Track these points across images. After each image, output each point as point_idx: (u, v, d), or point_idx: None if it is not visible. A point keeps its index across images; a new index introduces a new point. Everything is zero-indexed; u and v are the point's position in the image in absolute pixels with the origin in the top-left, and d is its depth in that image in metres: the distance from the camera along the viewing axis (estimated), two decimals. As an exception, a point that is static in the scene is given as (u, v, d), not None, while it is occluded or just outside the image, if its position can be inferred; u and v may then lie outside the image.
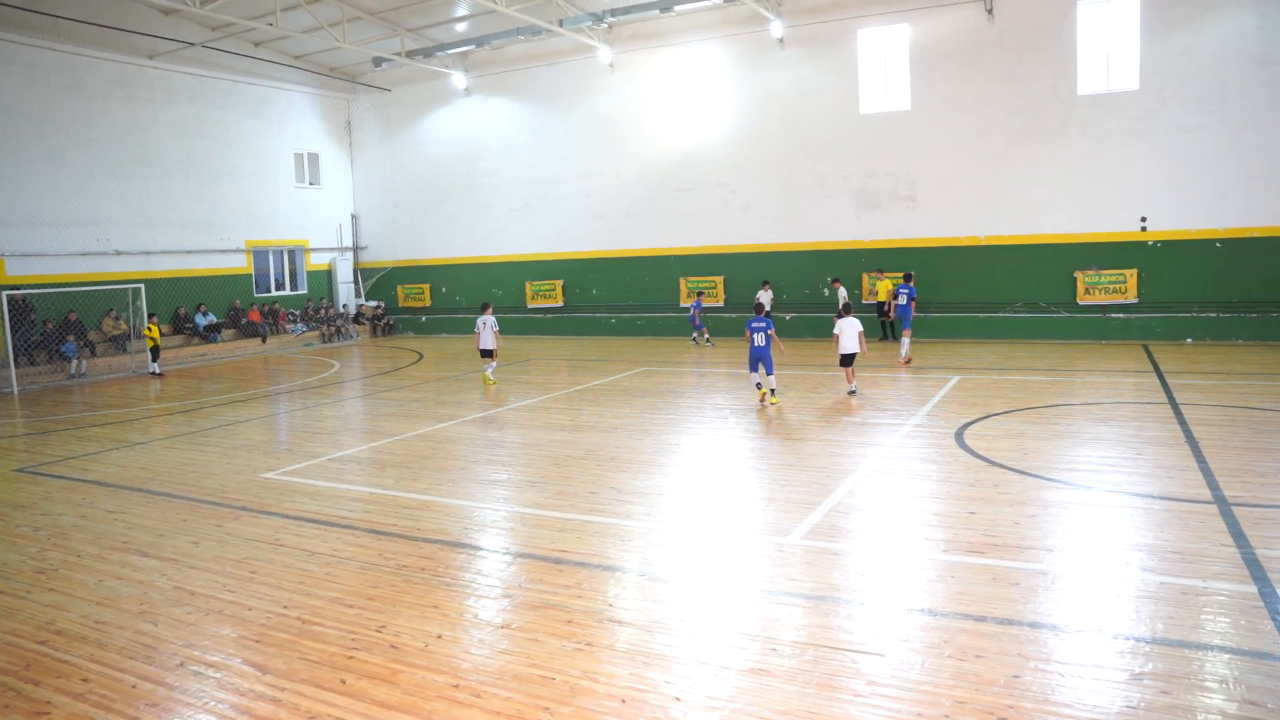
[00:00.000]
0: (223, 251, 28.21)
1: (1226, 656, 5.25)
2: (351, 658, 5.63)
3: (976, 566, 6.83)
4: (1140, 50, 21.11)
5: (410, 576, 7.09)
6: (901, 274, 22.17)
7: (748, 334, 14.36)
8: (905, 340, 19.18)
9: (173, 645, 5.94)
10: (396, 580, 7.01)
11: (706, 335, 24.72)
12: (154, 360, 22.38)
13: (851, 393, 15.23)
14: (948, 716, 4.65)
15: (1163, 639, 5.47)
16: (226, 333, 27.31)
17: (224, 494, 10.01)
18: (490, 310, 18.75)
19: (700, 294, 26.16)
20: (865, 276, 24.33)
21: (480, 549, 7.87)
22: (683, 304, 26.76)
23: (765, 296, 24.08)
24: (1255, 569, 6.53)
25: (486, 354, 18.18)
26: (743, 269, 25.97)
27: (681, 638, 5.76)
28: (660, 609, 6.31)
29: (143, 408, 17.34)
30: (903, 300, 19.90)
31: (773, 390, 14.50)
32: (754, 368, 14.60)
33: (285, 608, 6.50)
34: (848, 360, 15.17)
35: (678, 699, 4.95)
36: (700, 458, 11.48)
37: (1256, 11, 19.98)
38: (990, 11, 22.21)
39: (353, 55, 28.87)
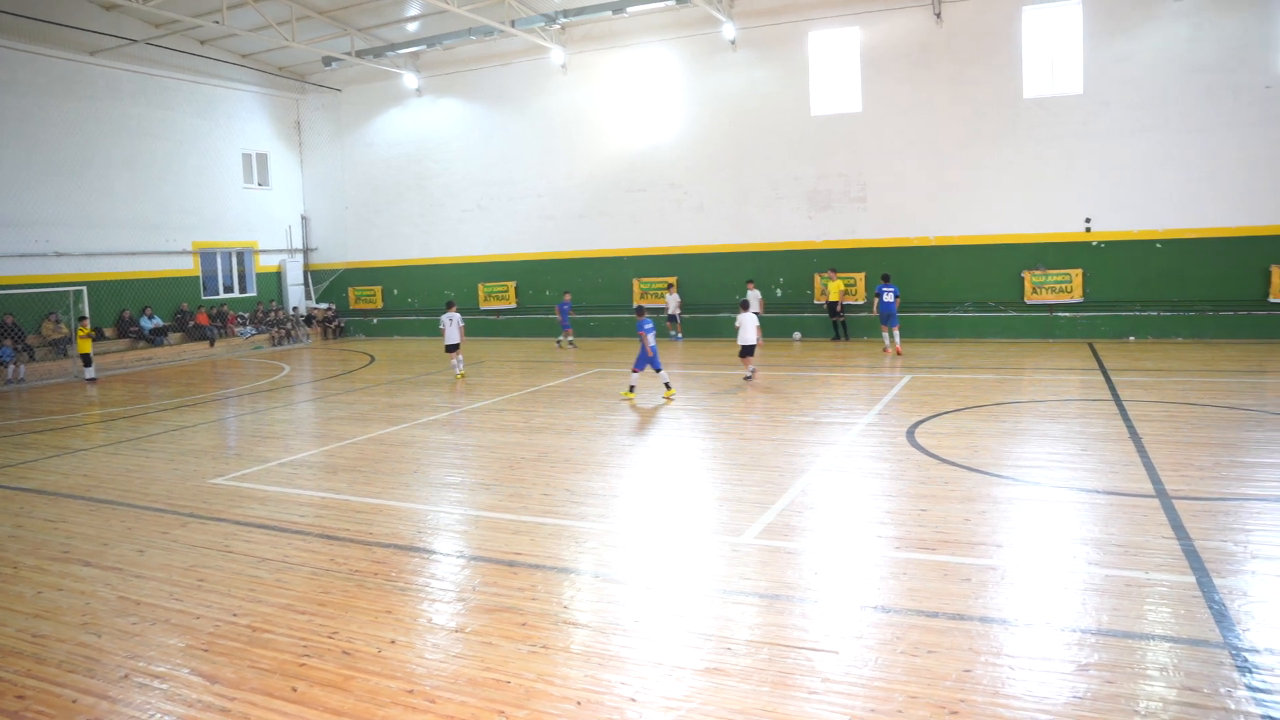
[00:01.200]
0: (169, 253, 27.66)
1: (1167, 645, 5.38)
2: (303, 665, 5.54)
3: (928, 563, 6.91)
4: (1083, 56, 21.60)
5: (363, 581, 7.00)
6: (870, 275, 22.86)
7: (646, 336, 15.10)
8: (896, 334, 20.92)
9: (116, 657, 5.79)
10: (349, 585, 6.92)
11: (570, 337, 24.88)
12: (87, 366, 21.62)
13: (747, 378, 17.01)
14: (901, 712, 4.70)
15: (1107, 630, 5.59)
16: (173, 336, 26.76)
17: (171, 500, 9.81)
18: (454, 308, 19.50)
19: (567, 294, 26.23)
20: (817, 277, 24.53)
21: (434, 552, 7.80)
22: (635, 304, 26.74)
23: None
24: (1194, 560, 6.70)
25: (452, 349, 18.94)
26: (696, 270, 26.07)
27: (637, 639, 5.76)
28: (615, 610, 6.30)
29: (84, 413, 16.93)
30: (889, 297, 20.93)
31: (666, 384, 15.35)
32: (643, 366, 15.25)
33: (235, 615, 6.38)
34: (747, 351, 16.96)
35: (633, 700, 4.95)
36: (654, 458, 11.48)
37: (1190, 22, 20.60)
38: (939, 16, 22.55)
39: (302, 54, 28.47)
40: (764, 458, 10.81)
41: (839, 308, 23.71)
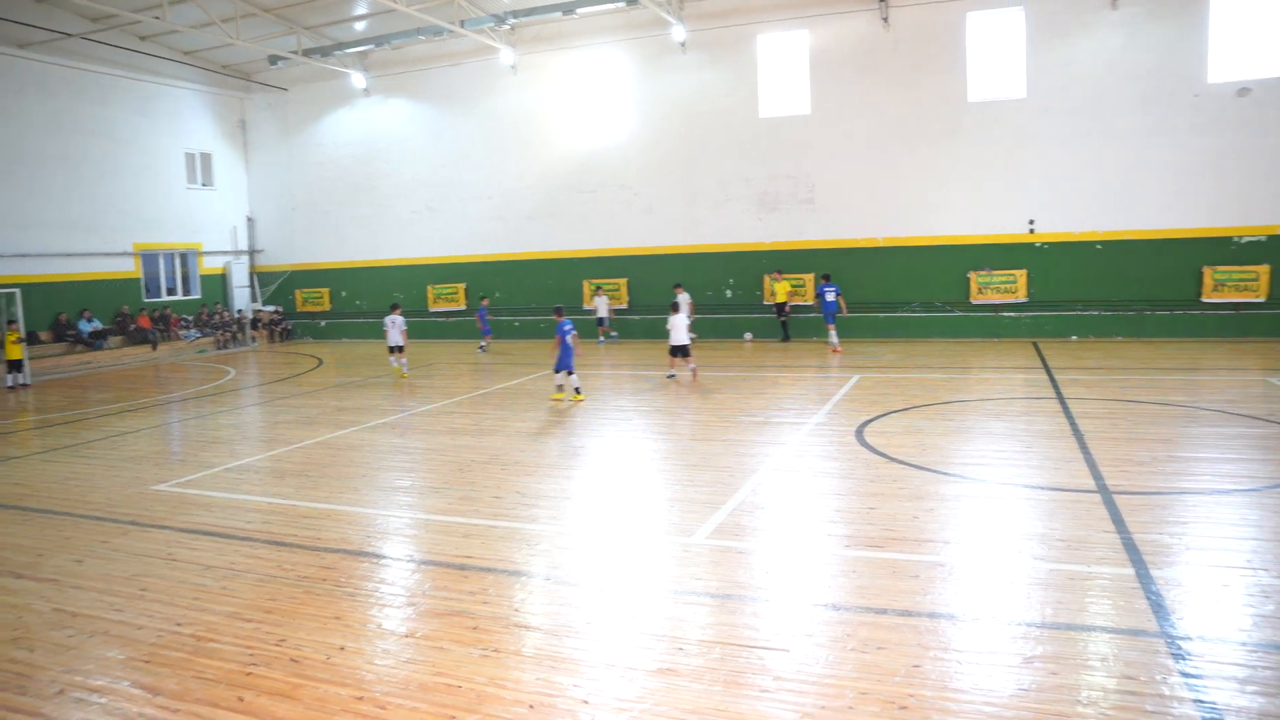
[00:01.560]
0: (108, 255, 26.96)
1: (1107, 636, 5.52)
2: (249, 674, 5.44)
3: (877, 560, 7.00)
4: (1026, 61, 22.04)
5: (311, 588, 6.89)
6: (818, 275, 23.28)
7: (558, 338, 15.27)
8: (833, 333, 21.61)
9: (51, 672, 5.62)
10: (297, 592, 6.81)
11: (485, 343, 24.72)
12: (16, 372, 20.73)
13: (671, 376, 17.58)
14: (851, 708, 4.75)
15: (1051, 623, 5.71)
16: (113, 340, 26.09)
17: (111, 508, 9.57)
18: (399, 310, 19.56)
19: (484, 298, 26.14)
20: (766, 278, 24.71)
21: (383, 557, 7.71)
22: (585, 306, 26.72)
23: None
24: (1133, 552, 6.87)
25: (395, 349, 19.19)
26: (646, 271, 26.10)
27: (589, 640, 5.75)
28: (567, 612, 6.28)
29: (17, 420, 16.45)
30: (830, 297, 21.55)
31: (576, 389, 15.48)
32: (563, 368, 15.31)
33: (178, 625, 6.24)
34: (677, 350, 17.39)
35: (586, 702, 4.94)
36: (605, 460, 11.48)
37: (1124, 31, 21.19)
38: (886, 20, 22.85)
39: (246, 53, 27.96)
40: (715, 458, 10.86)
41: (786, 308, 23.93)
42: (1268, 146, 20.46)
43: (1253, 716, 4.53)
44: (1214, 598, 6.08)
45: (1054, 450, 10.51)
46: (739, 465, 10.41)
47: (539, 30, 26.36)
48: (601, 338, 25.62)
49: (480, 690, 5.12)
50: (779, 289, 23.80)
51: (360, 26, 27.34)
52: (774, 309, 24.21)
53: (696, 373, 17.57)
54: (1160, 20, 20.93)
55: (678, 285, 23.54)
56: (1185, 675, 4.95)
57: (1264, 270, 20.71)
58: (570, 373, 15.29)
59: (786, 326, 24.16)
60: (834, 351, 21.19)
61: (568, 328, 15.33)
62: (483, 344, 24.84)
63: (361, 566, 7.43)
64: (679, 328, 17.49)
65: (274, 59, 28.03)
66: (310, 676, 5.38)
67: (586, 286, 26.91)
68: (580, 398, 15.43)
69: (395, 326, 19.13)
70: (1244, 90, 20.52)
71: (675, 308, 18.05)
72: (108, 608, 6.64)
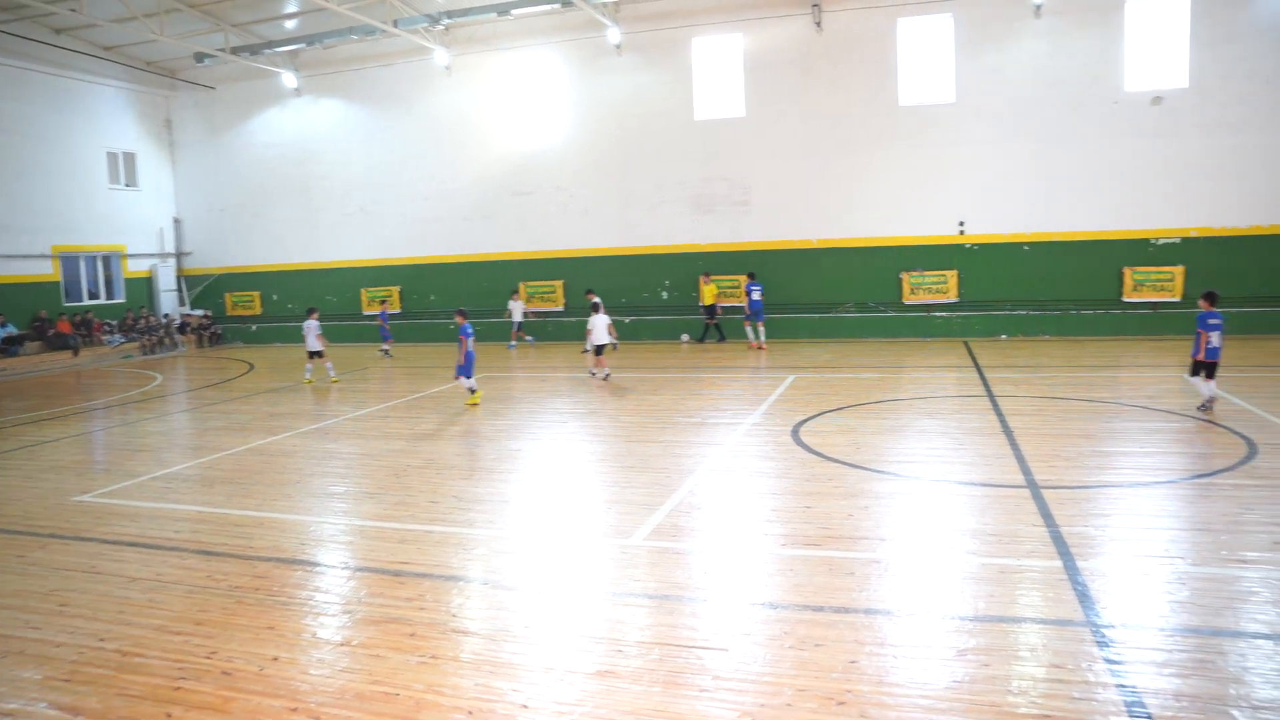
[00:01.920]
0: (24, 257, 25.99)
1: (1037, 627, 5.67)
2: (178, 689, 5.29)
3: (814, 558, 7.08)
4: (955, 66, 22.55)
5: (243, 598, 6.73)
6: (746, 275, 23.53)
7: (465, 341, 15.24)
8: (761, 330, 22.50)
9: (-36, 691, 5.40)
10: (228, 602, 6.65)
11: (386, 348, 24.42)
12: None
13: (592, 374, 17.98)
14: (790, 705, 4.80)
15: (983, 616, 5.84)
16: (30, 345, 25.16)
17: (29, 521, 9.22)
18: (315, 315, 19.41)
19: (384, 302, 25.95)
20: (701, 280, 24.85)
21: (318, 565, 7.56)
22: (525, 309, 26.60)
23: (517, 306, 25.05)
24: (1060, 545, 7.07)
25: (314, 354, 19.09)
26: (582, 273, 26.03)
27: (527, 645, 5.71)
28: (505, 617, 6.24)
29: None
30: (756, 295, 22.27)
31: (472, 390, 15.57)
32: (466, 373, 15.34)
33: (101, 640, 6.04)
34: (600, 350, 17.78)
35: (525, 706, 4.91)
36: (542, 462, 11.44)
37: (1047, 40, 21.86)
38: (819, 24, 23.18)
39: (171, 49, 27.21)
40: (652, 459, 10.88)
41: (716, 310, 24.09)
42: (1180, 153, 21.28)
43: (1169, 697, 4.70)
44: (1135, 586, 6.29)
45: (985, 447, 10.75)
46: (676, 466, 10.45)
47: (473, 31, 26.16)
48: (513, 341, 25.41)
49: (418, 697, 5.06)
50: (707, 291, 23.96)
51: (291, 25, 26.82)
52: (704, 311, 24.31)
53: (609, 376, 17.81)
54: (1081, 30, 21.60)
55: (590, 291, 23.34)
56: (1109, 662, 5.11)
57: (1179, 271, 21.51)
58: (468, 376, 15.44)
59: (720, 328, 24.34)
60: (758, 349, 21.97)
61: (469, 331, 15.35)
62: (385, 348, 24.44)
63: (295, 575, 7.28)
64: (599, 328, 17.83)
65: (200, 56, 27.30)
66: (242, 689, 5.25)
67: (523, 289, 26.78)
68: (477, 398, 15.55)
69: (311, 332, 19.04)
70: (1157, 99, 21.31)
71: (596, 307, 18.35)
72: (24, 625, 6.39)
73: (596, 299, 20.20)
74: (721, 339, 24.35)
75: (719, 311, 24.19)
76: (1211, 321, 12.23)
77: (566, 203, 26.21)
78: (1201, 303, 12.53)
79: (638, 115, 25.17)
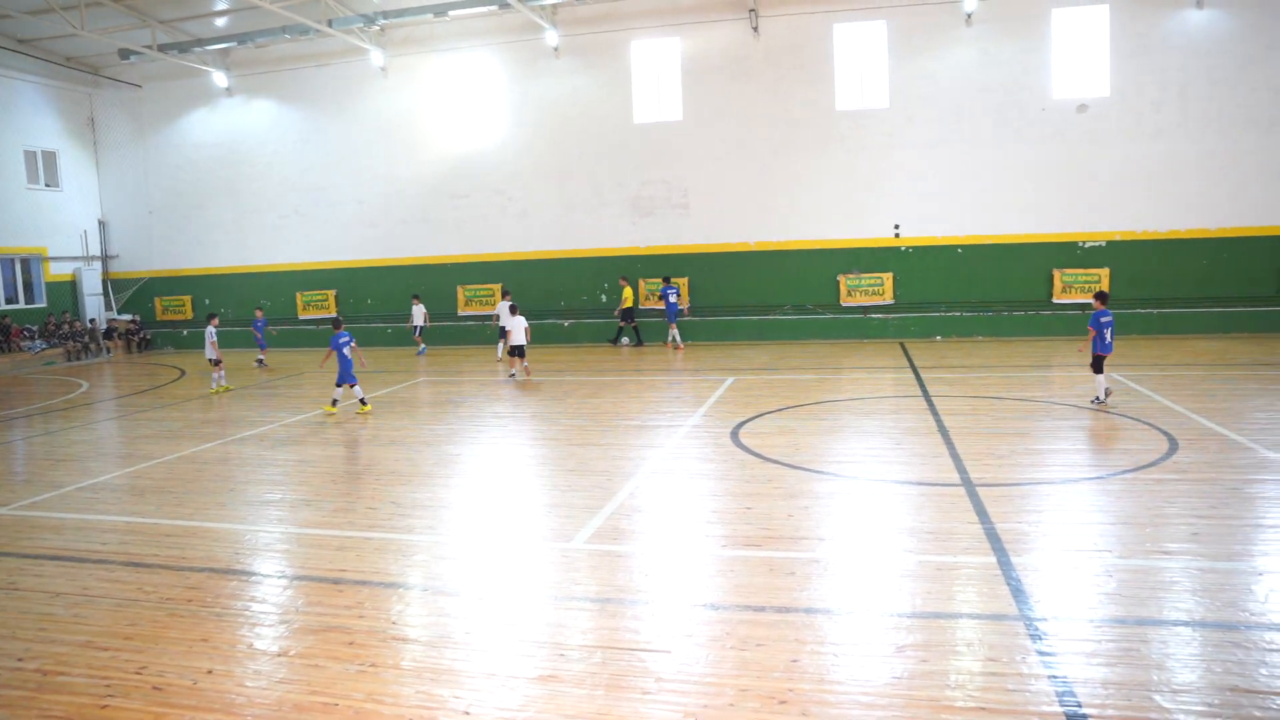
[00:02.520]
0: (-61, 261, 25.01)
1: (973, 622, 5.79)
2: (105, 707, 5.12)
3: (754, 559, 7.14)
4: (889, 72, 22.97)
5: (175, 610, 6.55)
6: (661, 279, 24.16)
7: (330, 352, 14.88)
8: (676, 332, 23.31)
9: (-128, 716, 5.15)
10: (159, 615, 6.46)
11: (261, 357, 23.28)
12: None
13: (513, 375, 18.38)
14: (732, 705, 4.83)
15: (921, 612, 5.95)
16: (-53, 352, 24.21)
17: (-54, 534, 8.86)
18: (215, 321, 19.36)
19: (260, 308, 24.87)
20: (641, 282, 24.90)
21: (253, 574, 7.39)
22: (461, 312, 26.40)
23: (419, 311, 24.79)
24: (995, 542, 7.23)
25: (214, 363, 18.73)
26: (521, 276, 25.89)
27: (469, 651, 5.66)
28: (446, 623, 6.17)
29: None
30: (673, 298, 22.95)
31: (362, 400, 15.14)
32: (344, 381, 14.93)
33: (20, 660, 5.81)
34: (517, 351, 18.18)
35: (467, 713, 4.86)
36: (482, 467, 11.36)
37: (978, 47, 22.44)
38: (756, 29, 23.41)
39: (94, 45, 26.40)
40: (592, 462, 10.87)
41: (631, 314, 24.20)
42: (1104, 159, 22.00)
43: (1097, 686, 4.85)
44: (1066, 580, 6.47)
45: (921, 446, 10.95)
46: (616, 469, 10.45)
47: (410, 32, 25.88)
48: (423, 346, 24.98)
49: (358, 707, 4.98)
50: (626, 294, 24.06)
51: (221, 23, 26.24)
52: (620, 314, 24.33)
53: (529, 370, 18.65)
54: (1010, 38, 22.18)
55: (506, 293, 23.15)
56: (1041, 654, 5.24)
57: (1105, 273, 22.21)
58: (353, 385, 15.01)
59: (638, 331, 24.43)
60: (676, 349, 22.94)
61: (344, 339, 14.93)
62: (260, 358, 23.04)
63: (230, 585, 7.11)
64: (518, 329, 18.20)
65: (125, 53, 26.54)
66: (175, 704, 5.11)
67: (461, 292, 26.55)
68: (367, 409, 15.10)
69: (209, 339, 18.77)
70: (1082, 107, 21.99)
71: (514, 310, 18.70)
72: (-58, 642, 6.14)
73: (512, 301, 20.22)
74: (639, 343, 24.37)
75: (633, 316, 24.28)
76: (1104, 320, 13.06)
77: (505, 205, 26.07)
78: (1095, 303, 13.34)
79: (576, 118, 25.14)
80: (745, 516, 8.35)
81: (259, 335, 23.23)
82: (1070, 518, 7.98)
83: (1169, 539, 7.21)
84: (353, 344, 15.08)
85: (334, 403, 15.16)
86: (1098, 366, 13.09)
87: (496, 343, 22.71)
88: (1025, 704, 4.70)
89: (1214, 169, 21.54)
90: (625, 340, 25.04)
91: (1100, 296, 13.40)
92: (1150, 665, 5.08)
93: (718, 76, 24.02)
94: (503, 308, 19.22)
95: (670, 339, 23.40)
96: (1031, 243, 22.65)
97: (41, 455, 13.23)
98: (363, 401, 15.16)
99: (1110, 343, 13.10)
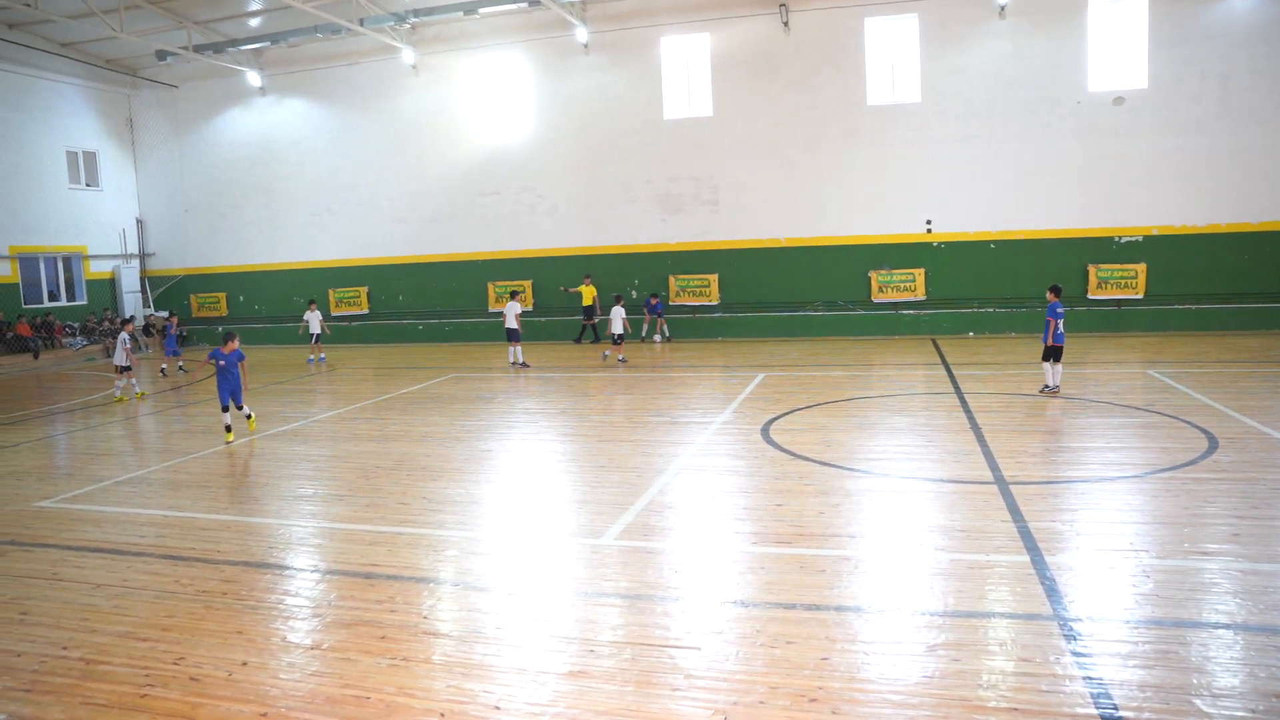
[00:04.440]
0: (-19, 259, 25.51)
1: (1006, 621, 5.73)
2: (145, 696, 5.21)
3: (785, 556, 7.11)
4: (920, 67, 22.75)
5: (211, 602, 6.65)
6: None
7: (216, 365, 13.13)
8: (665, 326, 24.78)
9: (-81, 706, 5.27)
10: (196, 607, 6.56)
11: (180, 364, 22.54)
12: None
13: (604, 357, 20.28)
14: (762, 703, 4.81)
15: (953, 611, 5.89)
16: (-11, 349, 24.68)
17: (-11, 527, 9.05)
18: (130, 327, 18.60)
19: (171, 314, 24.11)
20: (672, 279, 24.90)
21: (287, 568, 7.48)
22: (491, 308, 26.52)
23: (314, 318, 23.39)
24: (1028, 540, 7.15)
25: (122, 370, 17.69)
26: (550, 272, 25.97)
27: (499, 646, 5.69)
28: (477, 618, 6.21)
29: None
30: (653, 301, 24.01)
31: (248, 415, 13.60)
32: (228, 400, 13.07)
33: (64, 649, 5.93)
34: (619, 339, 19.78)
35: (497, 708, 4.89)
36: (513, 463, 11.40)
37: (1011, 40, 22.15)
38: (786, 24, 23.28)
39: (133, 46, 26.80)
40: (622, 459, 10.88)
41: (593, 311, 24.10)
42: (1140, 153, 21.63)
43: (1134, 688, 4.77)
44: (1101, 580, 6.38)
45: (953, 444, 10.85)
46: (647, 465, 10.45)
47: (440, 30, 26.01)
48: (311, 357, 23.28)
49: (389, 700, 5.02)
50: (586, 292, 24.06)
51: (255, 23, 26.53)
52: (582, 312, 24.29)
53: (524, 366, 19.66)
54: (1044, 31, 21.88)
55: (516, 294, 22.80)
56: (1076, 654, 5.17)
57: (1141, 269, 21.86)
58: (239, 406, 13.20)
59: (596, 329, 24.39)
60: (667, 340, 24.28)
61: (238, 356, 13.31)
62: (180, 364, 22.36)
63: (264, 578, 7.20)
64: (617, 319, 19.88)
65: (162, 54, 26.93)
66: (211, 695, 5.19)
67: (491, 289, 26.67)
68: (252, 425, 13.63)
69: (122, 345, 17.57)
70: (1119, 100, 21.64)
71: (618, 300, 20.62)
72: (-14, 633, 6.27)
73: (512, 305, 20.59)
74: (596, 340, 24.41)
75: (596, 313, 24.18)
76: (1059, 311, 13.74)
77: (534, 202, 26.14)
78: (1049, 295, 14.04)
79: (605, 115, 25.15)
80: (776, 513, 8.32)
81: (172, 338, 22.40)
82: (1105, 517, 7.86)
83: (1208, 539, 7.09)
84: (243, 362, 13.36)
85: (229, 429, 13.13)
86: (1056, 356, 13.74)
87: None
88: (1059, 705, 4.64)
89: (1256, 161, 21.12)
90: (656, 338, 25.03)
91: (1054, 289, 14.07)
92: (1190, 668, 5.00)
93: (748, 72, 23.92)
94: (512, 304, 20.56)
95: (664, 333, 24.72)
96: (1066, 238, 22.35)
97: (82, 449, 13.47)
98: (249, 417, 13.60)
99: (1063, 334, 13.71)
